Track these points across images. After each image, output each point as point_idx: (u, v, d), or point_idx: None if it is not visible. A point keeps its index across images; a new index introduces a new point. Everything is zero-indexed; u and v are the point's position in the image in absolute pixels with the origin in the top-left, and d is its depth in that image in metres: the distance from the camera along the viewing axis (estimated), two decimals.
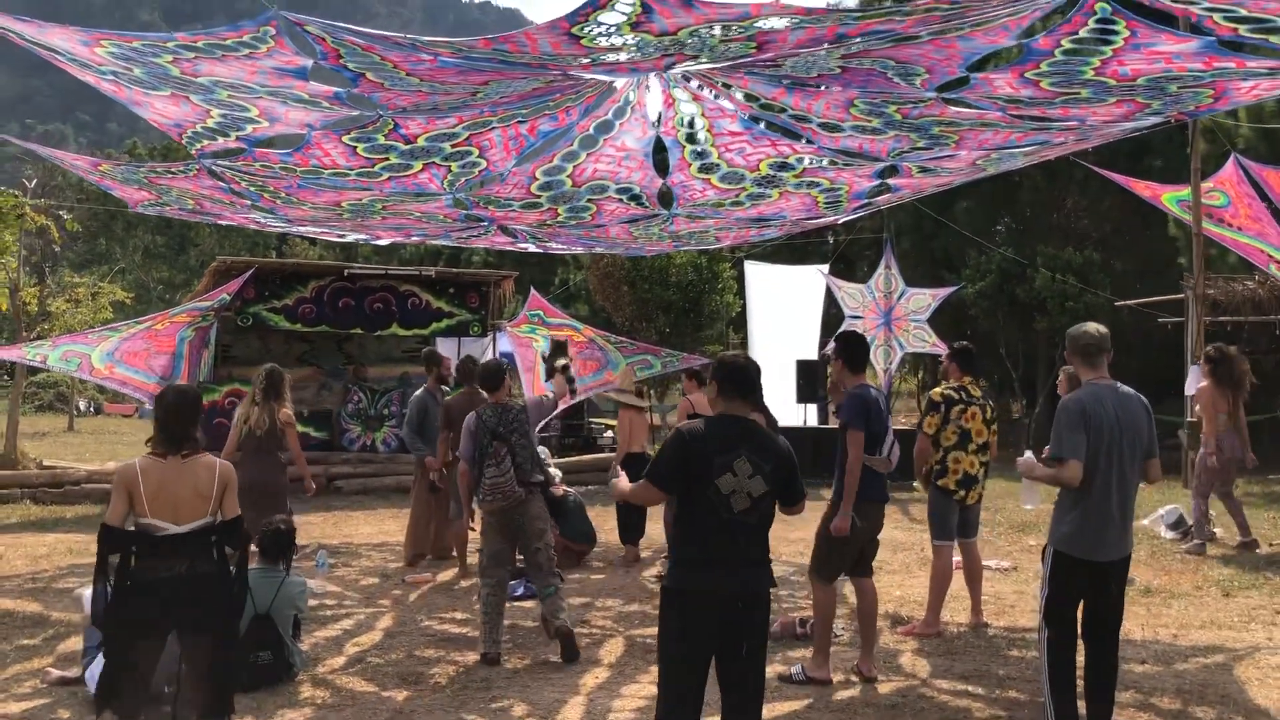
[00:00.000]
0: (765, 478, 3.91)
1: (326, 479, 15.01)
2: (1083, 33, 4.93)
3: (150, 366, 12.22)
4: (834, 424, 19.54)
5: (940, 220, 19.75)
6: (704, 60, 5.60)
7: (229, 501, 4.27)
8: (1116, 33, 4.91)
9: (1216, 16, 4.60)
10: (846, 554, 5.88)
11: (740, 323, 22.09)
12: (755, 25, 4.53)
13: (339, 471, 15.13)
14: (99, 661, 5.34)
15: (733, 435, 3.94)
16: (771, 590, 4.04)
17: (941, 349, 16.94)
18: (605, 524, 10.45)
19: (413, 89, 5.94)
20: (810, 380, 17.06)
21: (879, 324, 16.23)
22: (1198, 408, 10.14)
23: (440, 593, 8.35)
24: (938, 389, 6.91)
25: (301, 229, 10.45)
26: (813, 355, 18.47)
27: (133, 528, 4.10)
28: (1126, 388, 4.80)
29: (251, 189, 8.17)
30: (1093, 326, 4.86)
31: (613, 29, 4.44)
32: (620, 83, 7.22)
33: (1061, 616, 4.77)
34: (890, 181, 8.66)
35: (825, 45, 5.38)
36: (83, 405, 36.14)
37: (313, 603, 7.82)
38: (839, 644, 6.45)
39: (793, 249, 23.09)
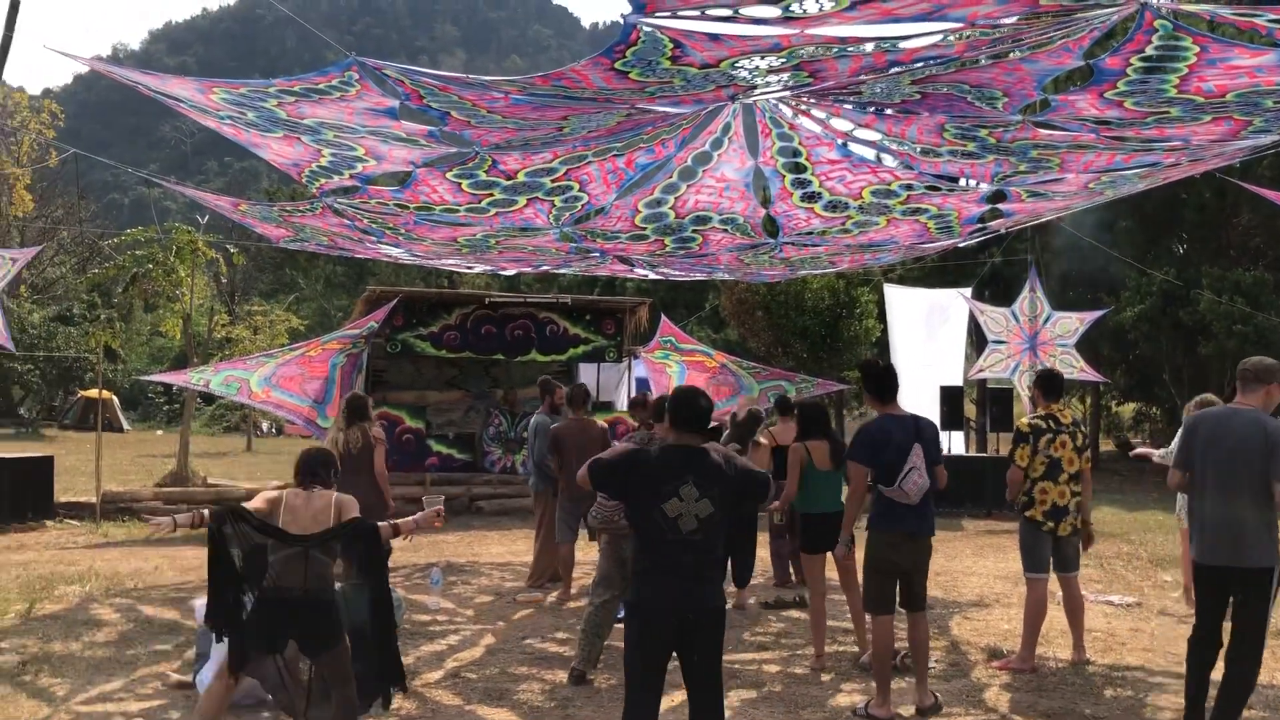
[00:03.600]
0: (713, 500, 4.16)
1: (468, 499, 15.57)
2: (1149, 50, 4.78)
3: (304, 390, 12.88)
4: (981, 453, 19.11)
5: (1094, 243, 18.95)
6: (771, 87, 5.68)
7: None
8: (1186, 49, 4.75)
9: None
10: (884, 586, 5.79)
11: (883, 347, 21.69)
12: (795, 55, 4.59)
13: (480, 492, 15.66)
14: (208, 668, 5.81)
15: (681, 463, 4.22)
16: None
17: (1090, 375, 16.30)
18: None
19: (498, 125, 6.21)
20: (955, 406, 16.68)
21: (1024, 349, 15.72)
22: None
23: (547, 613, 8.57)
24: (1024, 419, 6.73)
25: (431, 261, 10.94)
26: (958, 381, 18.04)
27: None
28: (1257, 413, 5.11)
29: (374, 225, 8.63)
30: (1263, 359, 5.31)
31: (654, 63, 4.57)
32: (717, 114, 7.35)
33: (1200, 619, 5.30)
34: (1001, 207, 8.50)
35: (891, 71, 5.40)
36: (264, 427, 38.28)
37: (424, 618, 8.19)
38: (930, 675, 6.35)
39: (944, 271, 22.55)
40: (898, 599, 5.88)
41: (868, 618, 6.07)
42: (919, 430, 5.81)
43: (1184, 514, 8.89)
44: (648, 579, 4.21)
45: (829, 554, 6.89)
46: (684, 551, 4.15)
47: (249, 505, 4.92)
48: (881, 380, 5.93)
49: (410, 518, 5.27)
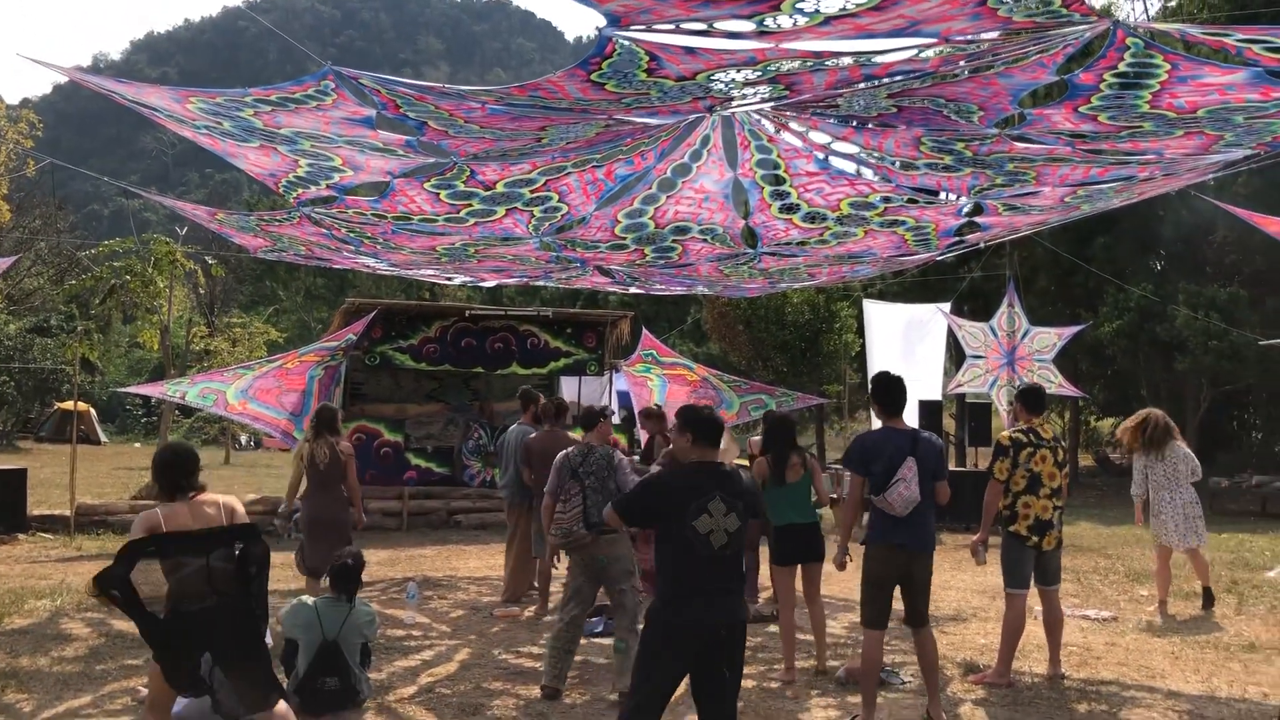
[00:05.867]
0: (739, 514, 4.26)
1: (446, 513, 15.48)
2: (1122, 67, 4.81)
3: (281, 403, 12.75)
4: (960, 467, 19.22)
5: (1073, 259, 19.08)
6: (748, 100, 5.69)
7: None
8: (1157, 66, 4.78)
9: (1256, 48, 4.44)
10: (877, 599, 5.73)
11: (862, 361, 21.76)
12: (770, 68, 4.60)
13: (459, 506, 15.57)
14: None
15: (706, 480, 4.30)
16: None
17: (1068, 390, 16.36)
18: None
19: (475, 135, 6.19)
20: (934, 421, 16.72)
21: (1002, 364, 15.76)
22: None
23: (523, 627, 8.51)
24: (1005, 432, 6.75)
25: (409, 272, 10.90)
26: (937, 395, 18.08)
27: None
28: None
29: (352, 235, 8.59)
30: None
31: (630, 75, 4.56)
32: (696, 127, 7.37)
33: None
34: (979, 220, 8.53)
35: (866, 85, 5.41)
36: (244, 440, 38.05)
37: (399, 633, 8.13)
38: (904, 691, 6.35)
39: (925, 286, 22.65)
40: (902, 616, 5.88)
41: (829, 631, 6.06)
42: (916, 444, 5.76)
43: (1158, 527, 8.94)
44: (683, 597, 4.24)
45: (798, 566, 6.98)
46: (716, 567, 4.22)
47: (131, 538, 4.48)
48: (887, 392, 5.97)
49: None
